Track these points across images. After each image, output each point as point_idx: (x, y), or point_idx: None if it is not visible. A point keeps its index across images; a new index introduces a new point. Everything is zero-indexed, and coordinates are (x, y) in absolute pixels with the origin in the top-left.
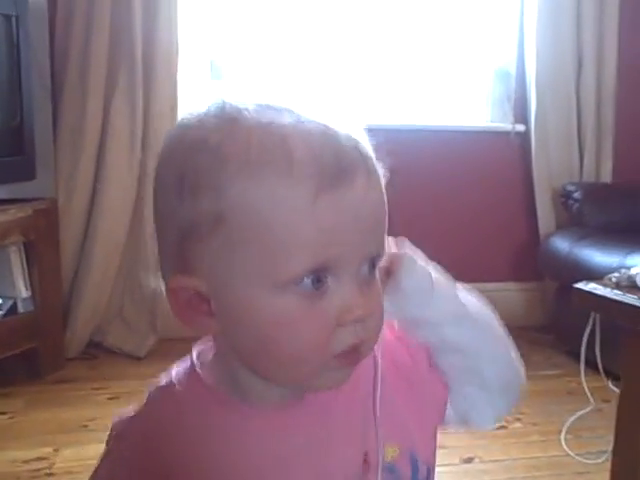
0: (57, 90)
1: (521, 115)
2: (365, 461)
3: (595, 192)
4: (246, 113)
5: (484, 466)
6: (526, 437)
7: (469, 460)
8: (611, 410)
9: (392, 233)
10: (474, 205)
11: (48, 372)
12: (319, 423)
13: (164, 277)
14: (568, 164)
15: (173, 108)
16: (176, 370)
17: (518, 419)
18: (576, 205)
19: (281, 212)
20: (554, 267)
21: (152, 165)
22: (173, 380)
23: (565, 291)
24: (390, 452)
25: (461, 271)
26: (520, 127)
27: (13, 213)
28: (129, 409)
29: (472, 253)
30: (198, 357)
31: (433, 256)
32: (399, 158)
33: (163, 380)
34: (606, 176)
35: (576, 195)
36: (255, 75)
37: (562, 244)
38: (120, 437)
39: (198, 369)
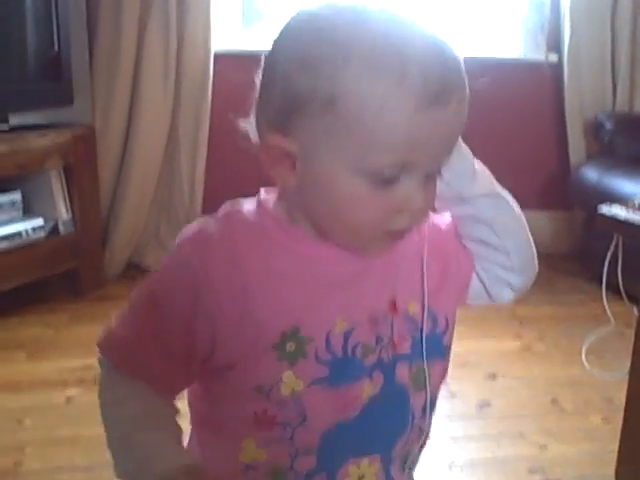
0: (92, 16)
1: (554, 45)
2: (391, 308)
3: (627, 122)
4: (375, 17)
5: (507, 382)
6: (548, 357)
7: (492, 376)
8: (633, 333)
9: None
10: (506, 135)
11: (89, 291)
12: (361, 265)
13: (258, 130)
14: (601, 94)
15: (206, 37)
16: (242, 204)
17: (541, 340)
18: (607, 135)
19: (384, 114)
20: (583, 196)
21: (185, 93)
22: (243, 210)
23: (593, 220)
24: (412, 308)
25: None
26: (553, 57)
27: (52, 138)
28: (199, 226)
29: (503, 182)
30: (263, 200)
31: None
32: None
33: (231, 209)
34: (639, 106)
35: (608, 125)
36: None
37: (592, 174)
38: (203, 245)
39: (265, 204)
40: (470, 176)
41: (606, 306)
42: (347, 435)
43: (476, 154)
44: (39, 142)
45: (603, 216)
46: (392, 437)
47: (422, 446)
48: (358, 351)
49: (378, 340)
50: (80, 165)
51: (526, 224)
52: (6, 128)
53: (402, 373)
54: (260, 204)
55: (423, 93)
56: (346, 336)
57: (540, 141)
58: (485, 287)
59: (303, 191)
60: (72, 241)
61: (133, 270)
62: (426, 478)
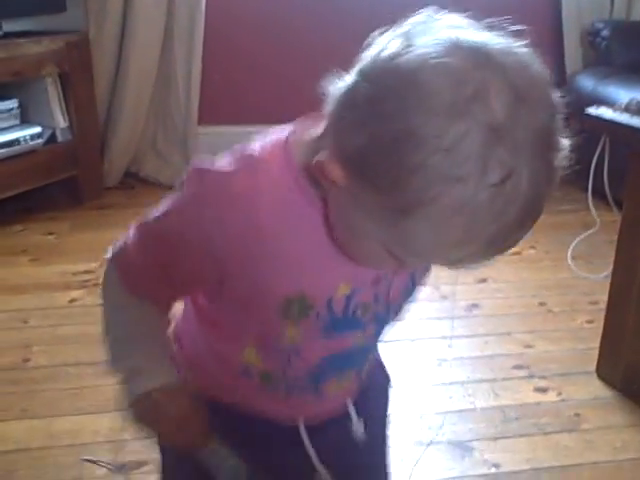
0: None
1: None
2: (396, 270)
3: (624, 30)
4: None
5: (496, 285)
6: (538, 262)
7: (483, 280)
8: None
9: None
10: None
11: (89, 199)
12: None
13: (324, 136)
14: (598, 2)
15: None
16: (267, 149)
17: (532, 247)
18: (604, 43)
19: (433, 250)
20: (578, 105)
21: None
22: (268, 161)
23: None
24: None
25: None
26: None
27: (46, 45)
28: (221, 170)
29: None
30: (290, 145)
31: None
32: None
33: (258, 156)
34: (637, 14)
35: (604, 33)
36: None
37: (587, 82)
38: (224, 202)
39: (289, 155)
40: None
41: (591, 208)
42: (333, 364)
43: None
44: (33, 48)
45: (589, 116)
46: (367, 355)
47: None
48: (359, 311)
49: (375, 297)
50: (75, 72)
51: None
52: (0, 34)
53: (392, 316)
54: (286, 152)
55: (486, 245)
56: (348, 298)
57: (535, 50)
58: None
59: (335, 204)
60: (70, 149)
61: (131, 179)
62: (416, 375)
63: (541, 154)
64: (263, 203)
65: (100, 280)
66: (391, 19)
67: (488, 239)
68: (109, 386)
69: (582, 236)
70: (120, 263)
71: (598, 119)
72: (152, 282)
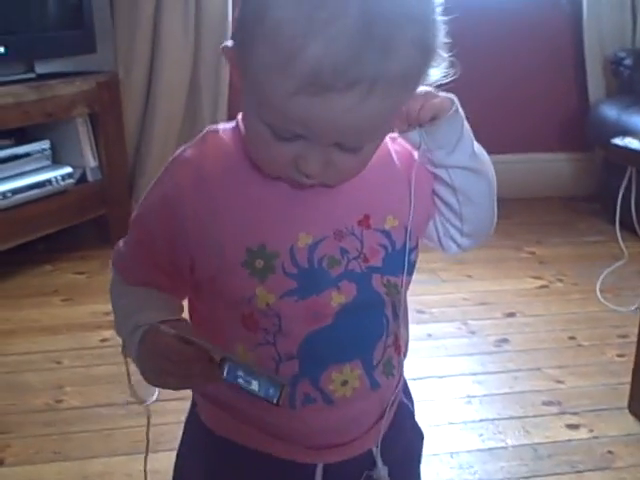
0: None
1: None
2: (362, 221)
3: None
4: None
5: (525, 319)
6: (566, 295)
7: (511, 314)
8: None
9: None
10: (522, 74)
11: (118, 237)
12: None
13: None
14: (620, 30)
15: None
16: (222, 125)
17: (560, 280)
18: (627, 72)
19: (266, 85)
20: (602, 135)
21: (206, 42)
22: (219, 131)
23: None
24: (390, 222)
25: (510, 141)
26: None
27: (78, 85)
28: (180, 149)
29: (521, 123)
30: (240, 119)
31: (483, 125)
32: (447, 27)
33: (208, 129)
34: None
35: (627, 62)
36: None
37: (611, 111)
38: (176, 165)
39: (240, 124)
40: (450, 149)
41: (619, 239)
42: (324, 342)
43: (492, 94)
44: (65, 90)
45: (616, 147)
46: (369, 343)
47: (402, 353)
48: (324, 262)
49: (343, 252)
50: (105, 113)
51: (493, 196)
52: (33, 76)
53: (377, 283)
54: (237, 124)
55: (307, 80)
56: (311, 249)
57: (559, 79)
58: (437, 234)
59: (242, 109)
60: (100, 188)
61: None
62: (445, 412)
63: None
64: (208, 161)
65: None
66: None
67: (306, 81)
68: (141, 427)
69: (611, 268)
70: (115, 259)
71: (625, 149)
72: (142, 266)
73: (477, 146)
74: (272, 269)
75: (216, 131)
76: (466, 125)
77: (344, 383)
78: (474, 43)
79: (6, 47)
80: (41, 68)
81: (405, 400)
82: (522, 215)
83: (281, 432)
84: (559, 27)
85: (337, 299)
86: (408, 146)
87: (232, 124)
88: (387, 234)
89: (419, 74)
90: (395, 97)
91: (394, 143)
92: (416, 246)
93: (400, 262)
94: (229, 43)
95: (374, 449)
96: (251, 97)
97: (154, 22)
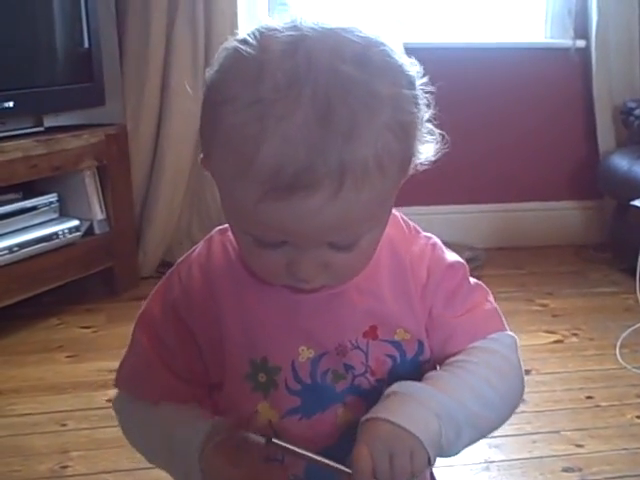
0: (121, 17)
1: (582, 30)
2: (368, 333)
3: None
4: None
5: (541, 378)
6: (582, 351)
7: (526, 372)
8: None
9: (453, 152)
10: (534, 124)
11: (124, 290)
12: (332, 291)
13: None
14: (630, 80)
15: (233, 25)
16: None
17: (575, 334)
18: (637, 122)
19: (233, 197)
20: (613, 185)
21: None
22: (225, 234)
23: (623, 209)
24: (401, 334)
25: (521, 189)
26: (581, 43)
27: (86, 138)
28: (189, 252)
29: (531, 172)
30: None
31: (494, 174)
32: (456, 78)
33: (215, 232)
34: None
35: (637, 112)
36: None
37: (621, 162)
38: (185, 268)
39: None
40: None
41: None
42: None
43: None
44: (74, 143)
45: (636, 208)
46: None
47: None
48: (328, 377)
49: (347, 368)
50: (113, 165)
51: (513, 403)
52: (41, 129)
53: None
54: None
55: (269, 184)
56: (313, 363)
57: (568, 129)
58: None
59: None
60: (107, 241)
61: (166, 269)
62: (463, 479)
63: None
64: (214, 264)
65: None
66: None
67: (270, 185)
68: None
69: (629, 326)
70: (123, 376)
71: None
72: (159, 375)
73: (476, 411)
74: (275, 384)
75: (224, 230)
76: (454, 429)
77: None
78: (485, 94)
79: (15, 102)
80: (50, 121)
81: None
82: (533, 265)
83: None
84: (569, 77)
85: (344, 417)
86: (427, 249)
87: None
88: (397, 345)
89: (400, 155)
90: (375, 185)
91: (413, 244)
92: (429, 355)
93: (409, 373)
94: (201, 154)
95: None
96: (226, 207)
97: (163, 75)
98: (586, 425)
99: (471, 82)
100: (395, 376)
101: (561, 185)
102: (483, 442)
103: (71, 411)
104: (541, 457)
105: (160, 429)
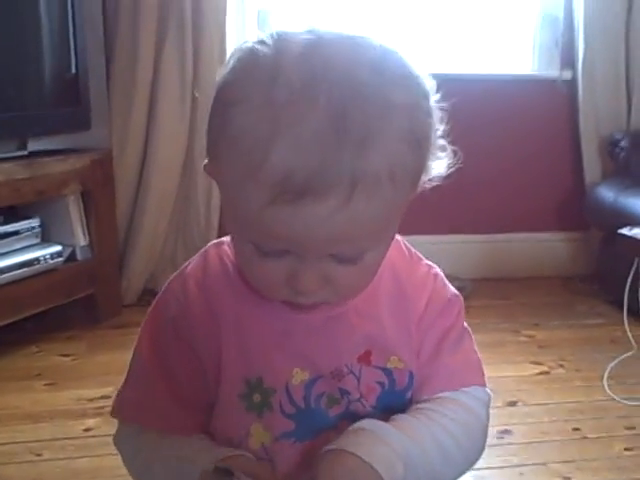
0: (109, 42)
1: (568, 61)
2: (362, 357)
3: None
4: (277, 92)
5: (528, 409)
6: (569, 382)
7: (513, 403)
8: None
9: (442, 184)
10: (519, 154)
11: (106, 317)
12: (330, 314)
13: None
14: (616, 112)
15: (222, 58)
16: (224, 241)
17: (561, 365)
18: (623, 154)
19: (238, 201)
20: (600, 216)
21: (202, 115)
22: (221, 248)
23: (610, 240)
24: (394, 362)
25: (506, 220)
26: (567, 74)
27: (71, 163)
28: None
29: (516, 203)
30: None
31: (480, 205)
32: (441, 107)
33: (210, 246)
34: None
35: (623, 143)
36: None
37: (608, 193)
38: (180, 284)
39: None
40: None
41: (628, 331)
42: None
43: (489, 174)
44: (58, 167)
45: (623, 237)
46: None
47: None
48: (323, 401)
49: (342, 392)
50: (98, 190)
51: (475, 452)
52: (25, 153)
53: None
54: None
55: (279, 188)
56: (307, 387)
57: (554, 160)
58: None
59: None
60: (89, 267)
61: (149, 296)
62: None
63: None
64: (211, 278)
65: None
66: None
67: (279, 190)
68: None
69: (616, 358)
70: (122, 406)
71: (633, 240)
72: (164, 403)
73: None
74: (269, 406)
75: (220, 244)
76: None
77: None
78: (471, 125)
79: None
80: (34, 145)
81: None
82: (520, 296)
83: None
84: (555, 108)
85: None
86: (429, 279)
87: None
88: (388, 372)
89: (413, 168)
90: (386, 197)
91: (415, 271)
92: (413, 385)
93: (395, 401)
94: (206, 160)
95: None
96: (230, 213)
97: (150, 100)
98: (574, 457)
99: (456, 112)
100: (382, 406)
101: (547, 216)
102: (468, 474)
103: (48, 440)
104: None
105: (169, 461)
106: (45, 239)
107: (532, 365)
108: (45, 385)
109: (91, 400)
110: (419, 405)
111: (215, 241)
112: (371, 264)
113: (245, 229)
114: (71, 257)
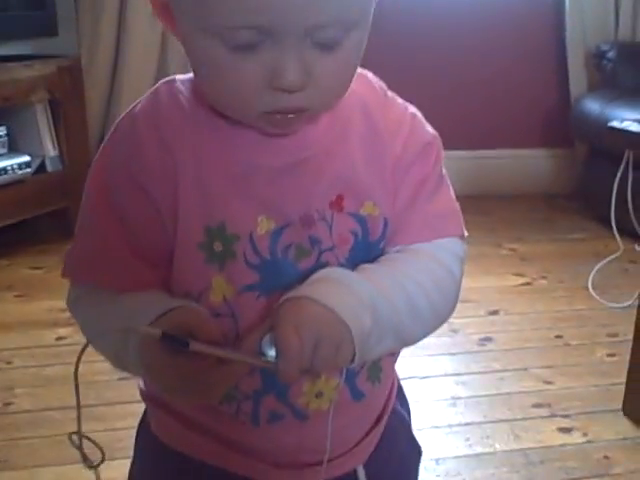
0: None
1: None
2: (334, 202)
3: (630, 52)
4: None
5: (509, 317)
6: (552, 292)
7: (494, 312)
8: (637, 269)
9: (420, 94)
10: (504, 68)
11: None
12: (298, 156)
13: None
14: (603, 23)
15: None
16: (177, 78)
17: (544, 277)
18: (610, 65)
19: None
20: (585, 130)
21: None
22: (175, 85)
23: (595, 155)
24: (369, 208)
25: (491, 137)
26: None
27: (38, 69)
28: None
29: (502, 118)
30: None
31: (464, 121)
32: (427, 20)
33: (162, 82)
34: None
35: (610, 55)
36: None
37: (593, 106)
38: (129, 126)
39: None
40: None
41: (616, 234)
42: None
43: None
44: (24, 73)
45: (613, 130)
46: None
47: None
48: (291, 253)
49: (313, 242)
50: (67, 99)
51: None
52: None
53: None
54: (193, 78)
55: None
56: (274, 236)
57: (540, 74)
58: None
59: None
60: (60, 179)
61: None
62: (429, 415)
63: None
64: (164, 114)
65: None
66: None
67: None
68: (96, 433)
69: (604, 262)
70: (72, 266)
71: (623, 132)
72: (118, 259)
73: (413, 305)
74: (232, 254)
75: (171, 81)
76: (383, 327)
77: (319, 395)
78: (454, 35)
79: None
80: None
81: (400, 409)
82: (502, 212)
83: (244, 449)
84: (541, 20)
85: None
86: (405, 118)
87: (190, 74)
88: (362, 220)
89: None
90: None
91: (389, 110)
92: (387, 233)
93: (368, 254)
94: None
95: (358, 468)
96: (189, 16)
97: (120, 6)
98: (555, 363)
99: (437, 20)
100: (354, 259)
101: (533, 132)
102: (449, 379)
103: (18, 349)
104: (509, 393)
105: (121, 318)
106: (12, 149)
107: (514, 276)
108: (16, 297)
109: (63, 310)
110: (390, 255)
111: (166, 78)
112: (351, 52)
113: (209, 16)
114: (41, 169)
